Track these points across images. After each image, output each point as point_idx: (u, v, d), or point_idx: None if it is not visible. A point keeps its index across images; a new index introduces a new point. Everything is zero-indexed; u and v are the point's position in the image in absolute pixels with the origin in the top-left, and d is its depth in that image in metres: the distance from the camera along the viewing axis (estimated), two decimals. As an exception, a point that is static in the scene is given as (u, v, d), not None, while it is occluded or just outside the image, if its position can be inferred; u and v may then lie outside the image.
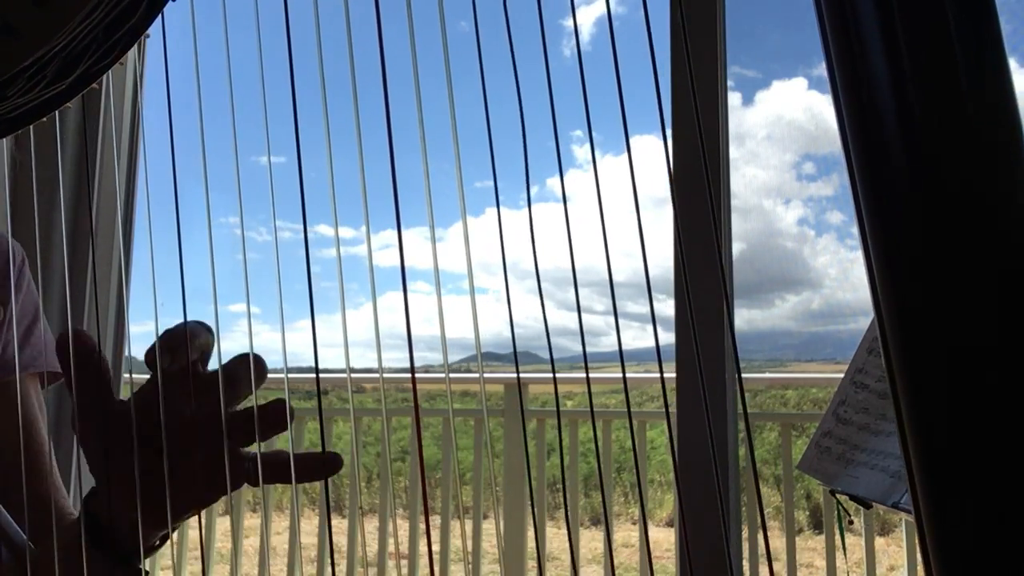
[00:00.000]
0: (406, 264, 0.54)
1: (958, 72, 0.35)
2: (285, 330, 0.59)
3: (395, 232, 0.53)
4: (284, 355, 0.61)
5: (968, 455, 0.34)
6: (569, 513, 3.13)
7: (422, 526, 3.09)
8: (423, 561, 3.08)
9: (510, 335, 0.55)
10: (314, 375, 0.58)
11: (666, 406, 0.58)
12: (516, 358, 0.57)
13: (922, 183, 0.35)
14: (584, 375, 0.53)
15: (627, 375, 0.53)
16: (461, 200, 0.55)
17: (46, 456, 0.83)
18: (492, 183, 0.55)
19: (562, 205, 0.54)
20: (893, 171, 0.36)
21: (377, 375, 0.57)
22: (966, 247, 0.35)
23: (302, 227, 0.55)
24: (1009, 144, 0.35)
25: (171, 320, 0.60)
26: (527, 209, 0.54)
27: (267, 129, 0.58)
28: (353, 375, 0.59)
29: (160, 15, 0.54)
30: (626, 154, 0.51)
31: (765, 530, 0.51)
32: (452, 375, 0.57)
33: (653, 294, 0.51)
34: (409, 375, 0.53)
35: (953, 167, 0.35)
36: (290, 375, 0.65)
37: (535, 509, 2.86)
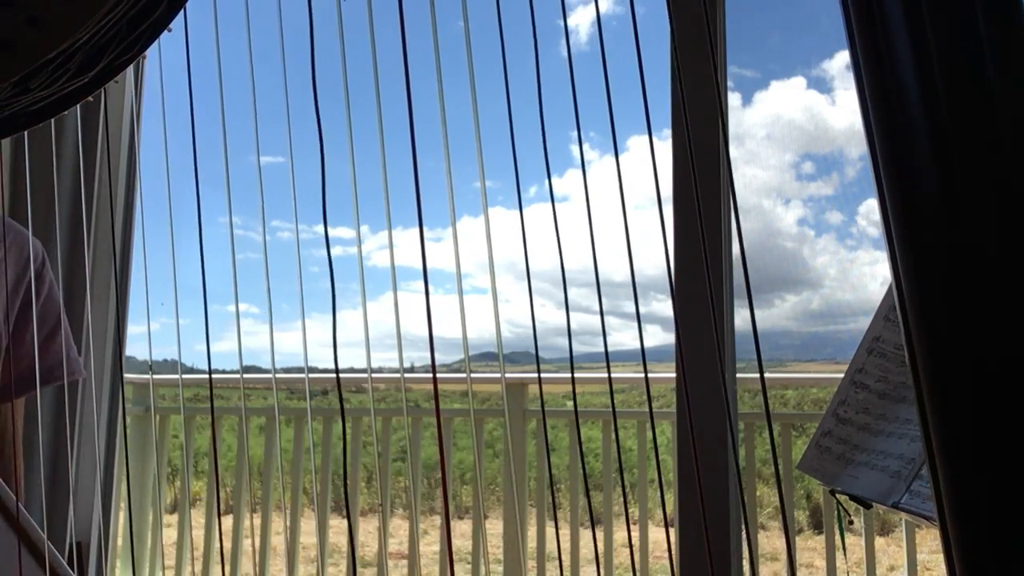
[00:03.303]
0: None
1: (984, 65, 0.35)
2: (279, 330, 0.59)
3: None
4: (307, 353, 0.61)
5: (991, 456, 0.34)
6: (571, 512, 3.12)
7: (422, 526, 3.09)
8: (423, 561, 3.08)
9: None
10: (314, 375, 0.58)
11: (687, 405, 0.58)
12: (539, 357, 0.56)
13: (947, 176, 0.35)
14: (584, 375, 0.53)
15: (627, 375, 0.53)
16: (483, 198, 0.55)
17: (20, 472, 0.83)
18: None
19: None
20: (919, 164, 0.35)
21: (377, 375, 0.57)
22: (991, 241, 0.34)
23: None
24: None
25: (171, 320, 0.60)
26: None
27: (289, 131, 0.58)
28: (353, 375, 0.59)
29: (183, 10, 0.54)
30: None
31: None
32: (452, 375, 0.57)
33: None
34: (410, 375, 0.53)
35: (977, 156, 0.35)
36: (290, 375, 0.65)
37: (549, 508, 2.87)
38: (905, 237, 0.36)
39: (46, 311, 0.85)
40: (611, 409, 3.24)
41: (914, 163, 0.36)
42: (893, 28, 0.36)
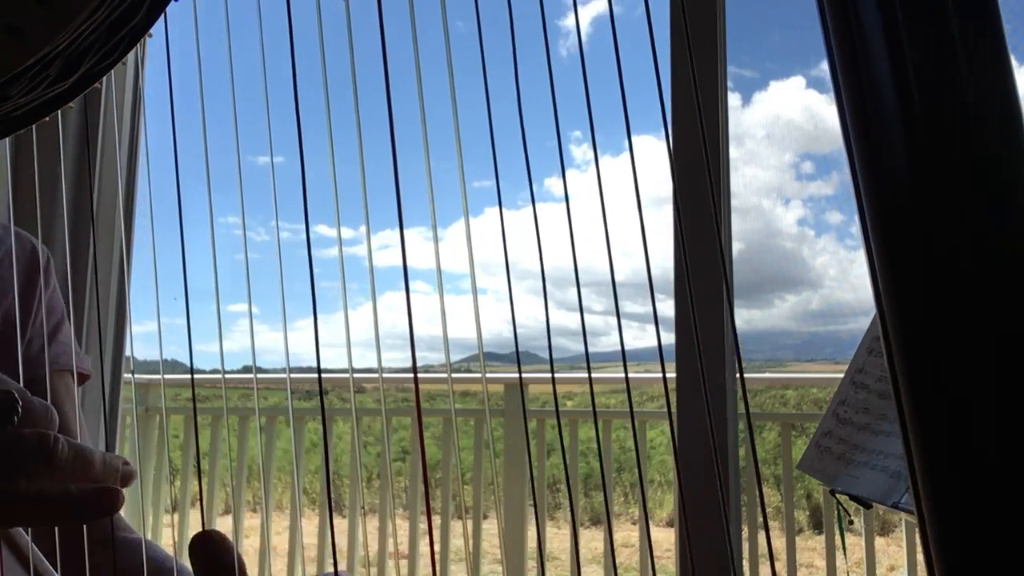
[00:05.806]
0: (404, 264, 0.54)
1: (960, 68, 0.35)
2: (277, 331, 0.60)
3: (393, 232, 0.53)
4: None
5: (969, 455, 0.34)
6: (571, 513, 3.12)
7: (422, 526, 3.09)
8: (423, 561, 3.08)
9: (510, 335, 0.56)
10: (314, 375, 0.59)
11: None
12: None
13: (923, 180, 0.35)
14: (584, 375, 0.53)
15: (628, 375, 0.53)
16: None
17: None
18: (489, 183, 0.55)
19: (560, 205, 0.54)
20: (894, 167, 0.36)
21: (377, 375, 0.57)
22: (967, 243, 0.35)
23: (301, 227, 0.55)
24: (1010, 138, 0.35)
25: (173, 320, 0.61)
26: (527, 209, 0.54)
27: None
28: (354, 375, 0.59)
29: (163, 15, 0.54)
30: (624, 154, 0.51)
31: (768, 529, 0.51)
32: (453, 375, 0.58)
33: (653, 294, 0.51)
34: (410, 375, 0.53)
35: (954, 162, 0.35)
36: (290, 375, 0.65)
37: (536, 508, 2.87)
38: (880, 233, 0.37)
39: (53, 304, 0.89)
40: (604, 410, 3.24)
41: (886, 145, 0.37)
42: (868, 29, 0.37)
